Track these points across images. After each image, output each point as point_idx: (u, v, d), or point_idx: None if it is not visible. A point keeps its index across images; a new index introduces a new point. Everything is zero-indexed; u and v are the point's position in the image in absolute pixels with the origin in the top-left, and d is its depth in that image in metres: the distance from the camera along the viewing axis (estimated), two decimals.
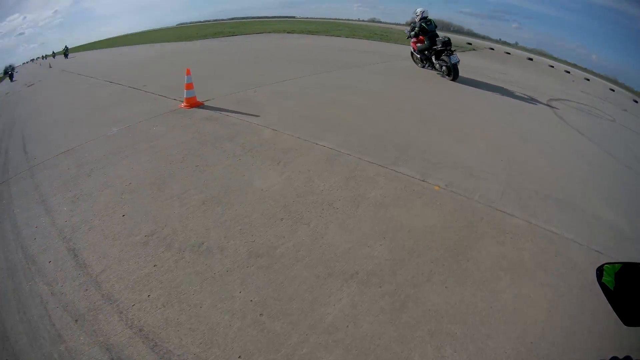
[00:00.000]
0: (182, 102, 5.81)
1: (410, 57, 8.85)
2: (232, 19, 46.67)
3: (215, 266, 2.37)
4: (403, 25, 16.96)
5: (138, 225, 2.77)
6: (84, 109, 6.30)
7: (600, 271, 0.72)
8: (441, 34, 7.48)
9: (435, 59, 7.59)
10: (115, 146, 4.30)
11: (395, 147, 4.17)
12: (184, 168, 3.65)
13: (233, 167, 3.65)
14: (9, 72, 18.02)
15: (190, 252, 2.48)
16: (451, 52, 7.21)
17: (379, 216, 2.86)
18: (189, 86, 5.86)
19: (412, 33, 7.89)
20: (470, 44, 15.12)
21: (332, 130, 4.67)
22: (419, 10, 7.60)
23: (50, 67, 21.48)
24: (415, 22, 7.76)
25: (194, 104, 5.70)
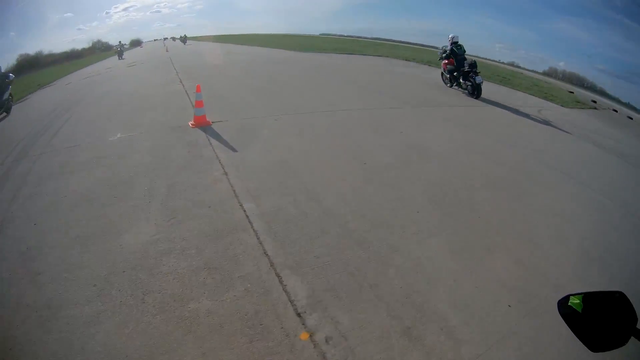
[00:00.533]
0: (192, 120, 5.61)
1: (440, 77, 9.74)
2: (376, 38, 46.77)
3: None
4: (540, 74, 16.60)
5: None
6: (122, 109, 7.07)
7: (563, 302, 0.70)
8: (469, 57, 8.50)
9: (462, 79, 8.61)
10: (96, 155, 4.55)
11: None
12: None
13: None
14: (119, 49, 19.73)
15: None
16: (476, 74, 8.15)
17: None
18: (199, 104, 5.51)
19: (444, 55, 8.97)
20: (594, 102, 12.16)
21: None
22: (450, 35, 8.71)
23: (167, 50, 25.75)
24: (447, 46, 8.80)
25: (202, 123, 5.45)
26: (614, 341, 0.62)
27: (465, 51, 8.67)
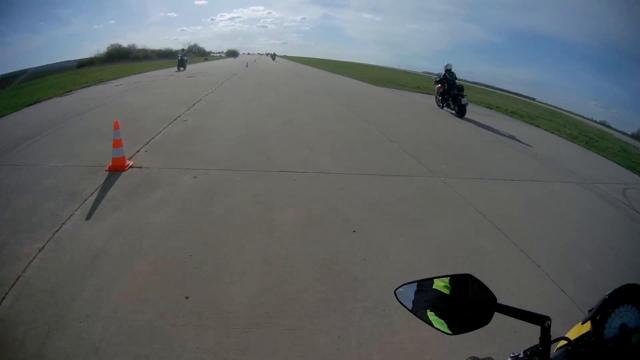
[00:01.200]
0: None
1: (434, 99, 10.92)
2: (476, 83, 44.13)
3: None
4: (629, 136, 16.32)
5: None
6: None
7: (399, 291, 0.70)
8: (459, 83, 9.90)
9: (452, 100, 9.82)
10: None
11: None
12: None
13: None
14: (180, 58, 19.42)
15: None
16: (462, 96, 9.36)
17: None
18: (117, 143, 4.23)
19: (438, 80, 10.40)
20: None
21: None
22: (445, 64, 10.02)
23: (247, 66, 26.70)
24: (441, 73, 10.18)
25: (117, 166, 4.19)
26: (479, 320, 0.63)
27: (456, 78, 10.00)
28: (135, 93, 10.24)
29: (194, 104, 8.23)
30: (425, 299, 0.67)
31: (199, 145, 5.20)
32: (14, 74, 20.17)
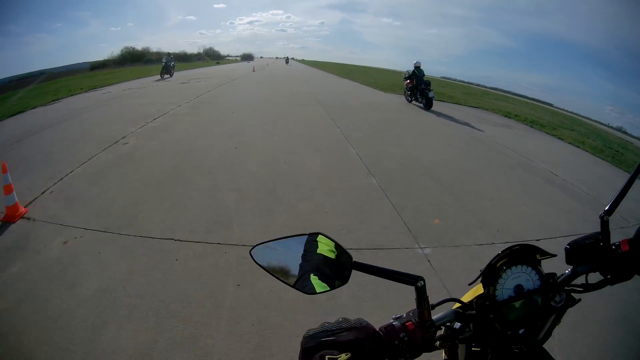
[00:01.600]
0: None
1: (404, 94, 12.17)
2: (494, 88, 42.40)
3: None
4: None
5: None
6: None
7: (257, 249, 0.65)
8: (426, 79, 10.97)
9: (420, 95, 10.99)
10: None
11: None
12: None
13: None
14: (165, 63, 17.03)
15: None
16: (429, 90, 10.48)
17: None
18: (8, 189, 3.53)
19: (407, 76, 11.55)
20: None
21: None
22: (415, 61, 11.11)
23: (253, 70, 26.63)
24: (410, 70, 11.35)
25: (9, 216, 3.46)
26: (341, 279, 0.63)
27: (424, 74, 11.06)
28: (107, 105, 9.73)
29: (153, 120, 7.51)
30: (283, 258, 0.64)
31: (113, 188, 4.16)
32: (30, 75, 20.56)
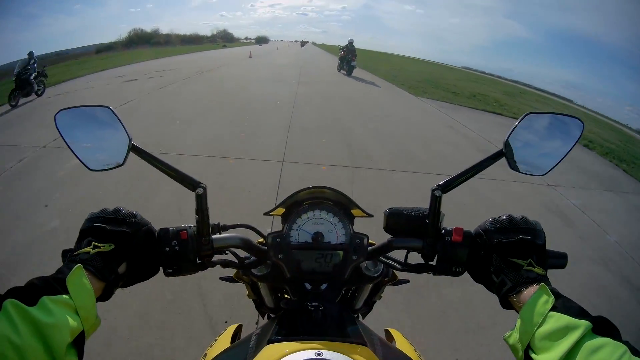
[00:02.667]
0: None
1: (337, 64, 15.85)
2: (515, 81, 39.73)
3: None
4: None
5: None
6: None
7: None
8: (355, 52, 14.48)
9: (345, 63, 14.63)
10: None
11: None
12: None
13: None
14: (19, 76, 7.24)
15: None
16: (352, 60, 14.25)
17: None
18: None
19: (341, 48, 15.46)
20: None
21: None
22: (349, 38, 14.45)
23: (250, 56, 24.70)
24: (345, 44, 14.81)
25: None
26: (119, 159, 0.60)
27: (355, 48, 14.40)
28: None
29: None
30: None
31: None
32: (47, 56, 21.33)
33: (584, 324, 0.39)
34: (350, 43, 14.25)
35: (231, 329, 0.82)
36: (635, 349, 0.37)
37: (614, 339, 0.38)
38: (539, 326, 0.42)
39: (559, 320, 0.41)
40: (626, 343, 0.38)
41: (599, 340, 0.38)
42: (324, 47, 72.29)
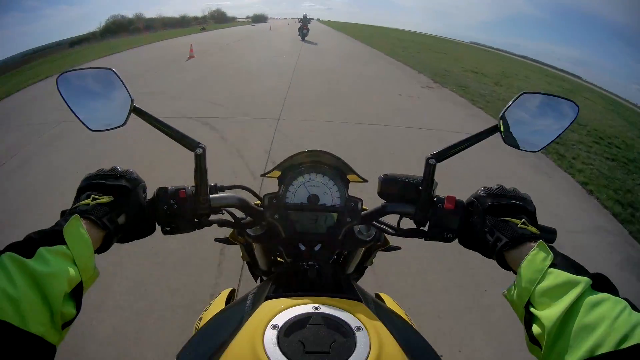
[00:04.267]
0: None
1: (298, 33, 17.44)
2: (523, 57, 38.32)
3: None
4: None
5: None
6: None
7: None
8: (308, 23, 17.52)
9: (300, 33, 17.28)
10: None
11: None
12: None
13: None
14: None
15: None
16: (306, 29, 17.09)
17: None
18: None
19: (300, 20, 17.90)
20: None
21: None
22: (305, 13, 18.38)
23: (270, 29, 24.99)
24: (301, 18, 17.93)
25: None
26: (120, 120, 0.60)
27: (309, 20, 17.84)
28: None
29: None
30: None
31: None
32: (49, 46, 20.25)
33: (583, 279, 0.40)
34: (305, 17, 17.86)
35: (225, 293, 0.83)
36: (634, 305, 0.38)
37: (615, 294, 0.39)
38: (539, 282, 0.42)
39: (559, 277, 0.41)
40: (625, 299, 0.38)
41: (599, 296, 0.38)
42: (329, 23, 65.92)
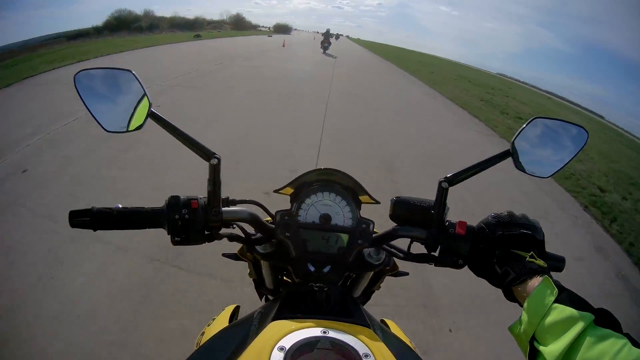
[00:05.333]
0: None
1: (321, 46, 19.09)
2: (549, 92, 37.97)
3: None
4: None
5: None
6: None
7: None
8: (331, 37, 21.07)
9: (322, 47, 18.85)
10: None
11: None
12: None
13: None
14: None
15: None
16: (328, 43, 18.86)
17: None
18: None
19: (323, 33, 19.93)
20: None
21: None
22: (327, 28, 20.81)
23: (283, 45, 20.48)
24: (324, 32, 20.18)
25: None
26: (138, 123, 0.60)
27: (331, 35, 21.34)
28: None
29: None
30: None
31: None
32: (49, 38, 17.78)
33: (586, 315, 0.40)
34: (328, 31, 19.90)
35: (229, 309, 0.82)
36: (635, 341, 0.38)
37: (615, 331, 0.39)
38: (544, 317, 0.43)
39: (563, 312, 0.42)
40: (627, 335, 0.39)
41: (602, 332, 0.39)
42: (359, 41, 64.79)
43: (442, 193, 0.59)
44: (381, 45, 61.25)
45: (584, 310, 0.41)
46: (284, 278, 0.80)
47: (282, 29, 57.08)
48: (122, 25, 24.04)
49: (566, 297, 0.44)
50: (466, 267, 0.61)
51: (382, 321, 0.81)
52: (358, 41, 71.27)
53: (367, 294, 0.83)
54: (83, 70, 0.59)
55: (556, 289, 0.45)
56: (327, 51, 18.58)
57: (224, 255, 0.82)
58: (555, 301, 0.44)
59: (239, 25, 42.78)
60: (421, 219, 0.61)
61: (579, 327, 0.40)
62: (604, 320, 0.41)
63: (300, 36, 40.59)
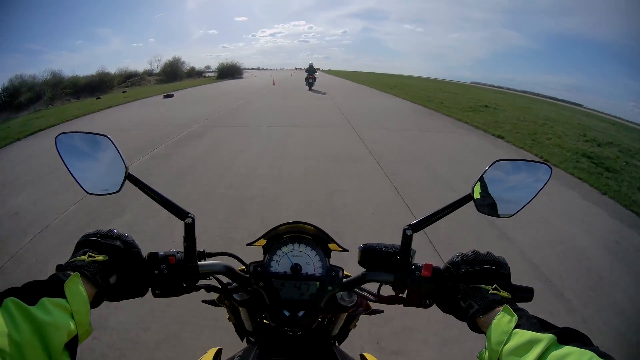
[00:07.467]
0: None
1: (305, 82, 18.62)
2: (524, 91, 39.55)
3: None
4: None
5: None
6: None
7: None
8: (314, 73, 18.48)
9: (307, 83, 18.14)
10: None
11: None
12: None
13: None
14: None
15: None
16: (312, 79, 17.82)
17: None
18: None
19: (306, 69, 18.49)
20: None
21: None
22: (310, 62, 19.07)
23: (273, 84, 20.77)
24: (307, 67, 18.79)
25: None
26: (115, 186, 0.63)
27: (314, 70, 18.34)
28: None
29: None
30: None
31: None
32: None
33: (546, 336, 0.41)
34: (311, 66, 18.11)
35: (212, 352, 0.84)
36: (604, 354, 0.38)
37: (582, 346, 0.39)
38: (505, 343, 0.44)
39: (523, 336, 0.43)
40: (595, 349, 0.39)
41: (564, 350, 0.39)
42: (330, 72, 63.60)
43: (406, 239, 0.61)
44: (355, 73, 62.96)
45: (545, 332, 0.42)
46: (264, 320, 0.81)
47: (230, 70, 37.35)
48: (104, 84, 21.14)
49: (526, 321, 0.45)
50: (434, 305, 0.63)
51: (362, 356, 0.82)
52: (330, 72, 70.32)
53: (344, 333, 0.85)
54: (63, 132, 0.61)
55: (515, 316, 0.46)
56: (312, 88, 16.93)
57: (203, 301, 0.85)
58: (516, 327, 0.44)
59: (172, 74, 30.36)
60: (388, 263, 0.63)
61: (539, 348, 0.40)
62: (569, 338, 0.41)
63: (264, 79, 30.95)
